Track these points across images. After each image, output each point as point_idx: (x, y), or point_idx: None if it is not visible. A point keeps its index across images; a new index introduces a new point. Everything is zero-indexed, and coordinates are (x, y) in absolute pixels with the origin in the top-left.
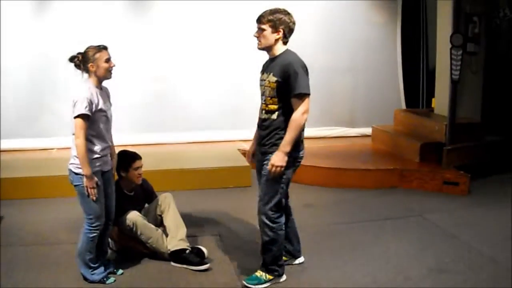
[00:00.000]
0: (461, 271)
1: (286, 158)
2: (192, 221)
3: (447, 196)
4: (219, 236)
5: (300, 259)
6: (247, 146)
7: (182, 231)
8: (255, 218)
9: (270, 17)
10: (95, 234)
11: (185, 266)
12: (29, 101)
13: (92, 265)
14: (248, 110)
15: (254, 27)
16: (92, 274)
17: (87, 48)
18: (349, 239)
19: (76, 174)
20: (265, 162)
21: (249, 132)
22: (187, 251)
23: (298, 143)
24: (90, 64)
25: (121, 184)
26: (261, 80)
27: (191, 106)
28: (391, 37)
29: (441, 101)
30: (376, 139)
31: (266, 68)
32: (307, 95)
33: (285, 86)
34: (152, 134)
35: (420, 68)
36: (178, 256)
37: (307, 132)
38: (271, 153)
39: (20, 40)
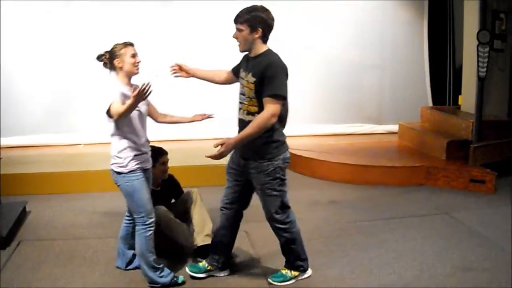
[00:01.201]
0: (487, 269)
1: (232, 149)
2: (218, 217)
3: (473, 194)
4: (246, 232)
5: (225, 272)
6: None
7: (208, 226)
8: None
9: (247, 16)
10: (150, 232)
11: None
12: (57, 97)
13: (157, 266)
14: None
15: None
16: (161, 277)
17: (114, 45)
18: (375, 236)
19: (119, 173)
20: (251, 171)
21: None
22: None
23: (284, 142)
24: (116, 60)
25: None
26: (240, 78)
27: (218, 102)
28: (418, 34)
29: (467, 99)
30: (402, 136)
31: (245, 67)
32: (281, 97)
33: (263, 87)
34: (179, 130)
35: (447, 65)
36: (204, 251)
37: (334, 129)
38: (255, 160)
39: (47, 36)
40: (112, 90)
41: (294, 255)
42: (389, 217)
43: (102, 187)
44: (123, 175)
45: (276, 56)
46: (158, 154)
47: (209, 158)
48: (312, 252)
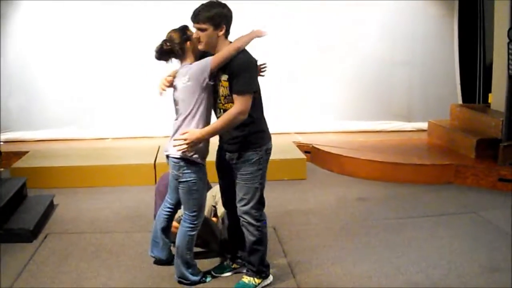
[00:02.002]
0: None
1: (199, 141)
2: None
3: (502, 194)
4: (274, 228)
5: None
6: (302, 139)
7: None
8: (310, 210)
9: (209, 14)
10: (196, 232)
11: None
12: (84, 91)
13: (192, 263)
14: (304, 103)
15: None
16: (192, 275)
17: (172, 32)
18: (402, 234)
19: (192, 164)
20: (236, 162)
21: (305, 124)
22: None
23: (268, 133)
24: (187, 43)
25: None
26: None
27: None
28: (448, 31)
29: (497, 97)
30: (432, 134)
31: None
32: (248, 93)
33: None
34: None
35: (477, 62)
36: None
37: (363, 126)
38: (240, 150)
39: (75, 29)
40: (195, 64)
41: (259, 259)
42: (417, 215)
43: (129, 181)
44: (195, 168)
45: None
46: None
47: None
48: (340, 249)
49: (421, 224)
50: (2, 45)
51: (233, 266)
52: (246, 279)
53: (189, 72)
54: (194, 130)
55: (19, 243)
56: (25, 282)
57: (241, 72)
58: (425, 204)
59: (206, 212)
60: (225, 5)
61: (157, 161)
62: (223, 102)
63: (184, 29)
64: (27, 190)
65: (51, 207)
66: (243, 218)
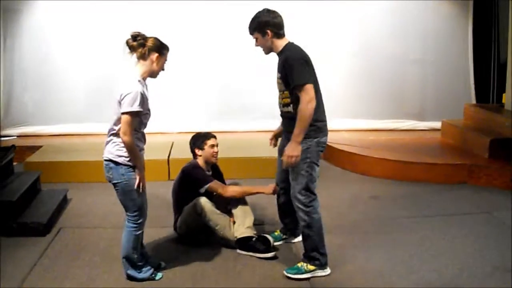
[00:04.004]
0: None
1: (299, 147)
2: (259, 210)
3: None
4: None
5: (299, 238)
6: None
7: (250, 219)
8: (322, 208)
9: (254, 25)
10: (141, 231)
11: (251, 253)
12: (100, 86)
13: (139, 263)
14: None
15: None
16: (139, 273)
17: (153, 38)
18: (415, 233)
19: (125, 166)
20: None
21: None
22: (254, 239)
23: (320, 127)
24: (155, 54)
25: (199, 163)
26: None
27: (259, 94)
28: (463, 30)
29: (511, 97)
30: (445, 133)
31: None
32: (305, 84)
33: (288, 80)
34: (220, 122)
35: (492, 62)
36: (244, 243)
37: (376, 124)
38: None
39: (91, 25)
40: (131, 86)
41: (311, 244)
42: (430, 215)
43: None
44: (123, 169)
45: (291, 48)
46: (205, 137)
47: (251, 151)
48: (352, 247)
49: (433, 223)
50: (19, 41)
51: (283, 237)
52: (300, 263)
53: (125, 91)
54: (290, 145)
55: (32, 237)
56: (38, 276)
57: (291, 69)
58: (438, 203)
59: (218, 208)
60: (268, 11)
61: (170, 157)
62: (282, 97)
63: (163, 45)
64: (41, 184)
65: (64, 201)
66: (294, 201)
